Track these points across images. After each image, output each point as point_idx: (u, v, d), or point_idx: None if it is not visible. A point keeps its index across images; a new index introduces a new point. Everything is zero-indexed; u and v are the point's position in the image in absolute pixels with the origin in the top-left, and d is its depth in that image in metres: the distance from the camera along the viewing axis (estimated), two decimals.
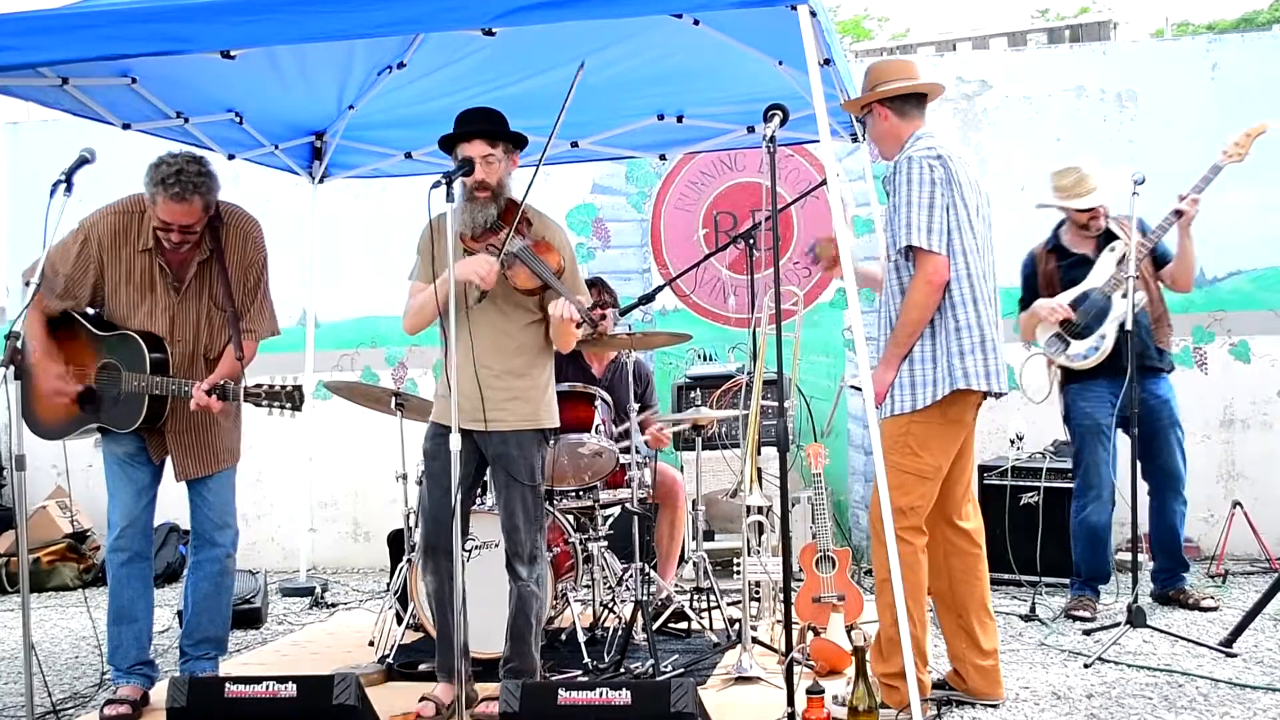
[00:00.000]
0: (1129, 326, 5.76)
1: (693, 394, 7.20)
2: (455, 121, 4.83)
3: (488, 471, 5.03)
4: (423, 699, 4.83)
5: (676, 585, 6.49)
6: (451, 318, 4.40)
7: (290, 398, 4.85)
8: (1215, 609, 6.24)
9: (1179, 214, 5.97)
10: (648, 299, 6.25)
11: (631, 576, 5.84)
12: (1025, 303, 6.45)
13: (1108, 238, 6.21)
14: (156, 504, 5.18)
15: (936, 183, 4.45)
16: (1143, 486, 6.24)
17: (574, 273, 4.95)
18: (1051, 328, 6.24)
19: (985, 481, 7.23)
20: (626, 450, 5.80)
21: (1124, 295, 5.94)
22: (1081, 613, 6.18)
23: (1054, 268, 6.35)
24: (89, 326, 4.98)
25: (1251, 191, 7.50)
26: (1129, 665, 5.27)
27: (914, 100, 4.71)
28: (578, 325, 4.67)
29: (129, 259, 4.95)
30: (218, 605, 5.25)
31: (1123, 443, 6.16)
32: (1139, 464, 5.93)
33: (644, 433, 6.21)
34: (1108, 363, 6.12)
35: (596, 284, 6.46)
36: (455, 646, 4.38)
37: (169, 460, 5.09)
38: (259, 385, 4.87)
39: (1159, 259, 6.25)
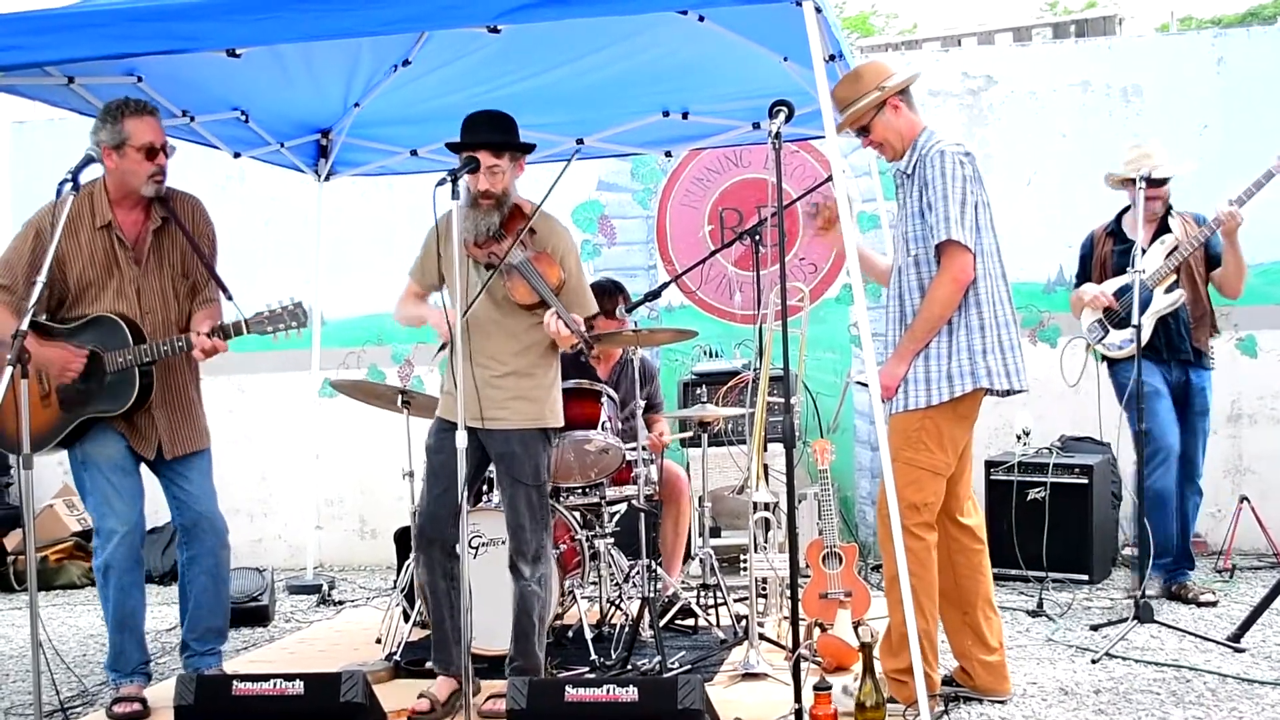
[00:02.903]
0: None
1: (699, 390, 7.19)
2: (462, 126, 4.83)
3: (489, 469, 5.04)
4: (421, 695, 4.84)
5: (683, 582, 6.49)
6: (457, 319, 4.41)
7: (294, 315, 4.87)
8: (1214, 604, 6.24)
9: (1219, 222, 6.01)
10: (653, 295, 6.24)
11: (638, 573, 5.85)
12: (1080, 280, 6.59)
13: (1165, 230, 6.24)
14: (151, 504, 5.17)
15: (967, 179, 4.44)
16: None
17: (578, 283, 4.96)
18: (1095, 313, 6.36)
19: (992, 477, 7.22)
20: (633, 447, 5.81)
21: (1166, 291, 6.11)
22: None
23: (1108, 252, 6.45)
24: (53, 325, 4.95)
25: None
26: (1136, 660, 5.26)
27: (909, 93, 4.69)
28: (571, 346, 4.69)
29: (88, 240, 4.95)
30: (217, 596, 5.24)
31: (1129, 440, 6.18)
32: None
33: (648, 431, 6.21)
34: (1145, 350, 6.16)
35: (617, 290, 6.43)
36: (461, 644, 4.39)
37: (156, 446, 5.05)
38: (258, 313, 4.88)
39: (1212, 258, 6.27)
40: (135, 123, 4.86)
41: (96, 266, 4.96)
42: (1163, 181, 6.22)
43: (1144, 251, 6.19)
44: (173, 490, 5.15)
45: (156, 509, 5.28)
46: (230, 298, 5.07)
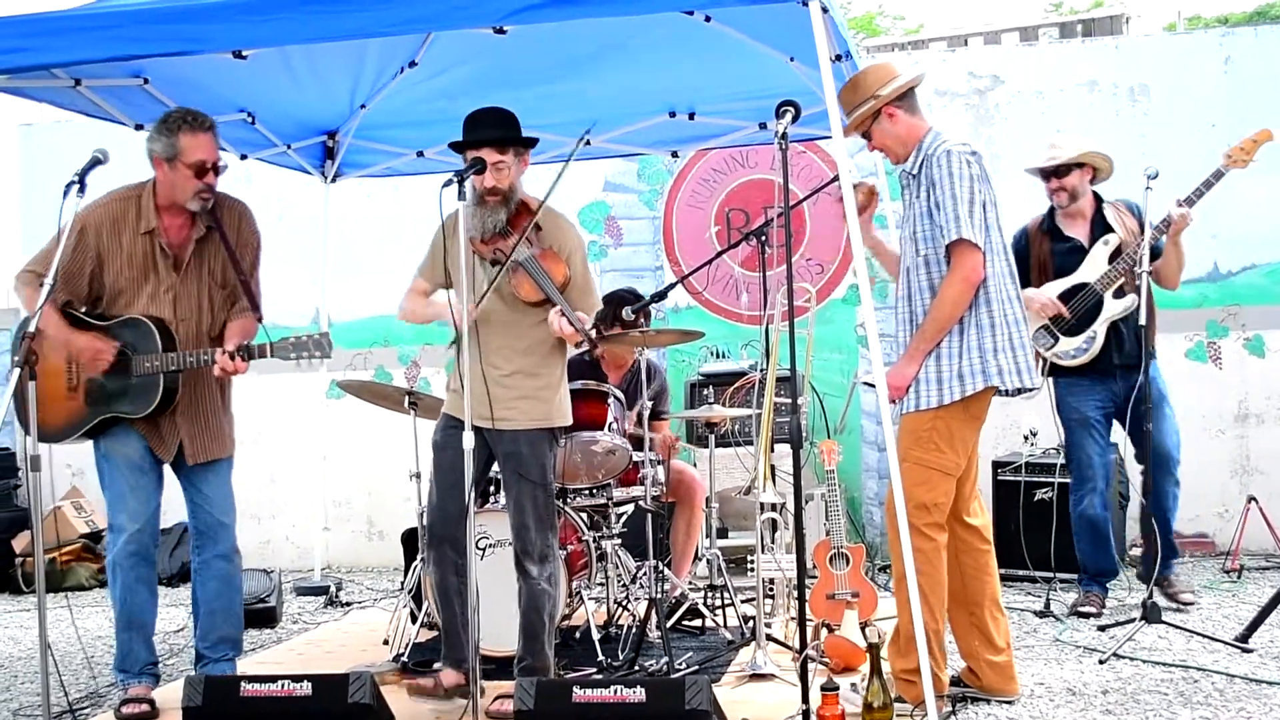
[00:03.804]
0: (1139, 315, 5.74)
1: (706, 391, 7.19)
2: (465, 124, 4.83)
3: (494, 468, 5.04)
4: (426, 675, 4.85)
5: (690, 582, 6.48)
6: (465, 319, 4.42)
7: (319, 345, 4.86)
8: (1191, 604, 6.19)
9: (1168, 223, 5.92)
10: (660, 296, 6.23)
11: (645, 574, 5.85)
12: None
13: (1103, 227, 6.16)
14: (163, 504, 5.17)
15: (975, 178, 4.44)
16: (1136, 468, 6.25)
17: (584, 279, 4.95)
18: (1040, 319, 6.16)
19: (999, 477, 7.23)
20: (639, 448, 5.81)
21: (1115, 295, 6.01)
22: (1087, 609, 6.14)
23: (1047, 251, 6.25)
24: (88, 319, 4.97)
25: (1266, 185, 7.46)
26: (1144, 661, 5.25)
27: (911, 96, 4.69)
28: (576, 344, 4.69)
29: (130, 243, 4.96)
30: (230, 603, 5.25)
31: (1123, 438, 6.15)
32: (1131, 446, 5.97)
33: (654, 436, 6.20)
34: (1092, 363, 6.12)
35: (630, 299, 6.38)
36: (469, 644, 4.39)
37: (178, 448, 5.06)
38: (284, 339, 4.89)
39: (1152, 250, 6.17)
40: (189, 139, 4.87)
41: (134, 270, 4.97)
42: (1065, 171, 6.13)
43: (1086, 251, 6.12)
44: (190, 493, 5.17)
45: (167, 509, 5.28)
46: (260, 318, 5.08)
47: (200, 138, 4.89)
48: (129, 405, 4.93)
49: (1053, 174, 6.16)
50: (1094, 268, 6.08)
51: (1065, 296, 6.12)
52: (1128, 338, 6.06)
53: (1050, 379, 6.29)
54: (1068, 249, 6.20)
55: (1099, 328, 6.07)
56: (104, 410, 4.95)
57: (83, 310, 4.99)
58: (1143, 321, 5.76)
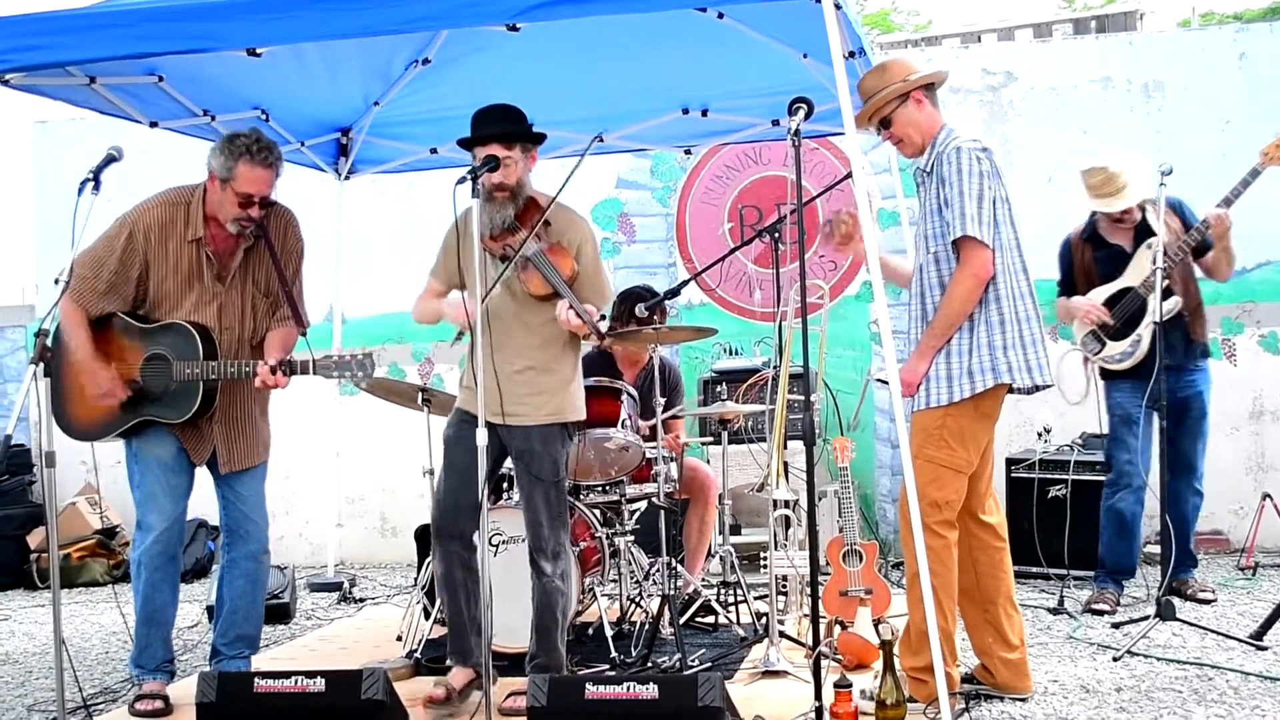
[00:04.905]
0: (1166, 316, 5.72)
1: (719, 388, 7.19)
2: (472, 121, 4.84)
3: (506, 463, 5.04)
4: (437, 683, 4.85)
5: (703, 579, 6.48)
6: (478, 317, 4.42)
7: (361, 365, 4.90)
8: (1212, 601, 6.22)
9: (1207, 225, 5.92)
10: (673, 293, 6.23)
11: (658, 570, 5.85)
12: (1063, 287, 6.42)
13: (1145, 231, 6.14)
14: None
15: (985, 175, 4.43)
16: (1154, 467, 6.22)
17: (594, 272, 4.95)
18: (1087, 326, 6.21)
19: (1013, 474, 7.21)
20: (652, 446, 5.80)
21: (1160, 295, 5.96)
22: (1101, 606, 6.13)
23: (1090, 259, 6.30)
24: (130, 320, 4.98)
25: None
26: (1158, 658, 5.24)
27: (933, 90, 4.69)
28: (585, 337, 4.70)
29: (176, 250, 4.97)
30: (253, 603, 5.27)
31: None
32: (1154, 446, 5.94)
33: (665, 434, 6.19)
34: (1140, 364, 6.12)
35: (645, 296, 6.36)
36: (482, 637, 4.39)
37: (213, 454, 5.09)
38: (328, 356, 4.91)
39: (1200, 249, 6.16)
40: (246, 170, 4.88)
41: (179, 277, 4.99)
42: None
43: (1129, 255, 6.13)
44: (223, 491, 5.20)
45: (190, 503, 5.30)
46: (304, 331, 5.11)
47: (258, 172, 4.90)
48: (166, 411, 4.96)
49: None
50: (1138, 271, 6.09)
51: (1110, 302, 6.15)
52: (1175, 339, 6.06)
53: (1102, 381, 6.34)
54: (1110, 254, 6.22)
55: (1144, 331, 6.06)
56: (142, 413, 4.97)
57: (124, 310, 5.00)
58: (1156, 317, 5.73)
